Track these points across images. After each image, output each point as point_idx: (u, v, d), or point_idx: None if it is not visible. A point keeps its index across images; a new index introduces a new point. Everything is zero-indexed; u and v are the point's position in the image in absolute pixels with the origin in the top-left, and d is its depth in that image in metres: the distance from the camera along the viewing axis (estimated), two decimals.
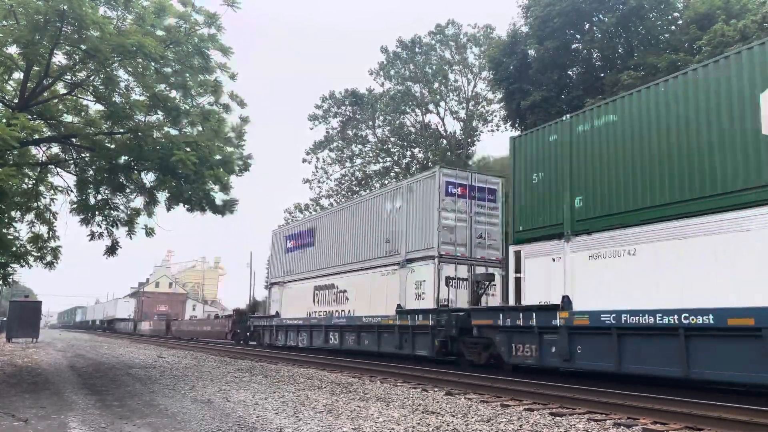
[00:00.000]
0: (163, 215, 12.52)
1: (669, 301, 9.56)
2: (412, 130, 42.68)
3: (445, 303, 15.87)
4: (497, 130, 40.70)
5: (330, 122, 44.54)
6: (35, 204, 13.83)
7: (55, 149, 14.20)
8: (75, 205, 13.69)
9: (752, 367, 8.38)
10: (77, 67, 11.84)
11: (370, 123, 43.65)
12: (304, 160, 45.05)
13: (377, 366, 15.59)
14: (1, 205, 11.15)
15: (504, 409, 8.63)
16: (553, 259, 11.92)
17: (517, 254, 12.83)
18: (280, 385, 11.46)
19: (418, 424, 7.25)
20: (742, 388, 10.05)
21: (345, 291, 20.65)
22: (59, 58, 11.85)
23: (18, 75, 12.16)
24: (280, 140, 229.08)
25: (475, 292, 15.94)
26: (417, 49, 41.14)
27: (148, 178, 13.40)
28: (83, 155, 13.59)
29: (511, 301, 12.92)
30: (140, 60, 11.17)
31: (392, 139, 42.94)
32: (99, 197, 13.90)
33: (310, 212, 45.85)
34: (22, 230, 13.84)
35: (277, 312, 26.17)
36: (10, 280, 14.32)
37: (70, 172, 14.10)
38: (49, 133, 13.19)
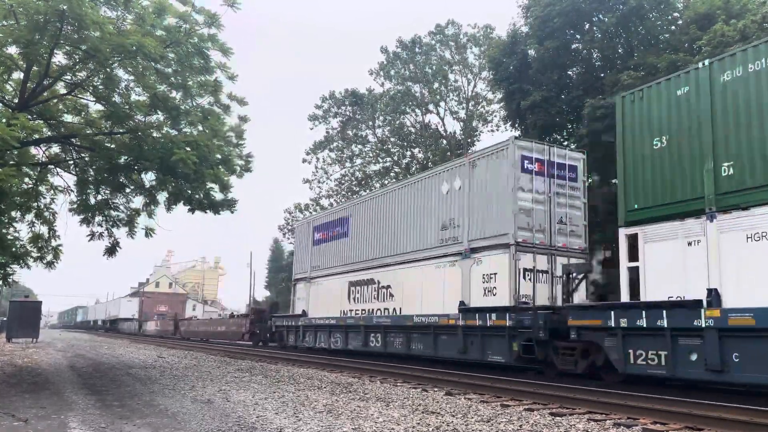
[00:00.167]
0: (164, 215, 12.52)
1: None
2: (412, 130, 42.68)
3: (526, 300, 13.69)
4: (497, 130, 40.72)
5: (330, 122, 44.57)
6: (35, 204, 13.84)
7: (55, 149, 14.21)
8: (75, 205, 13.71)
9: None
10: (77, 67, 11.85)
11: (370, 123, 43.65)
12: (304, 161, 45.06)
13: (377, 366, 15.58)
14: (1, 205, 11.15)
15: (504, 409, 8.63)
16: (689, 243, 9.73)
17: (632, 238, 10.65)
18: (280, 385, 11.46)
19: (418, 424, 7.25)
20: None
21: (388, 287, 18.46)
22: (59, 58, 11.87)
23: (18, 75, 12.16)
24: (280, 140, 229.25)
25: (566, 287, 13.16)
26: (417, 49, 41.14)
27: (148, 177, 13.43)
28: (83, 155, 13.60)
29: (624, 297, 10.76)
30: (140, 60, 11.17)
31: (392, 139, 42.93)
32: (99, 197, 13.91)
33: (311, 212, 45.79)
34: (22, 230, 13.87)
35: (303, 311, 23.87)
36: (10, 280, 14.33)
37: (70, 172, 14.12)
38: (49, 133, 13.19)
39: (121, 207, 14.10)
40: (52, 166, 14.12)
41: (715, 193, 9.51)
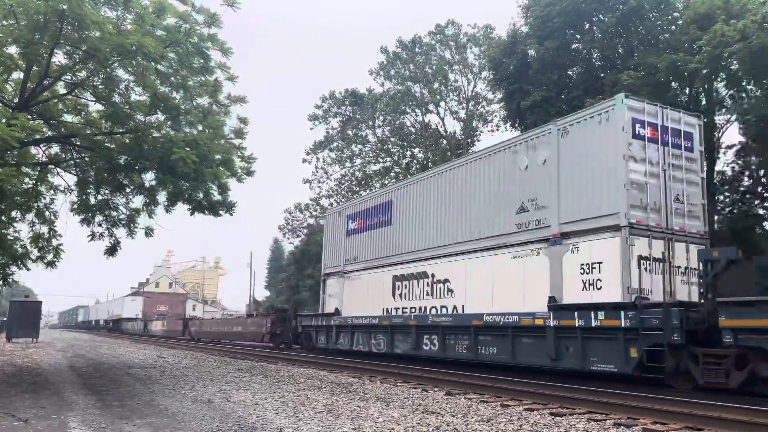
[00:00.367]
0: (164, 215, 12.54)
1: None
2: (412, 130, 42.67)
3: (646, 296, 11.32)
4: (497, 130, 40.69)
5: (330, 122, 44.55)
6: (35, 204, 13.85)
7: (55, 149, 14.22)
8: (76, 206, 13.73)
9: None
10: (77, 67, 11.86)
11: (370, 123, 43.64)
12: (304, 160, 45.02)
13: (377, 366, 15.56)
14: (1, 205, 11.16)
15: (504, 409, 8.63)
16: None
17: None
18: (280, 385, 11.46)
19: (418, 424, 7.25)
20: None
21: (446, 281, 16.03)
22: (59, 58, 11.88)
23: (18, 75, 12.17)
24: (280, 140, 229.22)
25: (706, 279, 10.58)
26: (417, 49, 41.14)
27: (148, 177, 13.45)
28: (83, 155, 13.60)
29: None
30: (140, 60, 11.17)
31: (392, 139, 42.92)
32: (99, 197, 13.93)
33: (311, 212, 45.76)
34: (22, 231, 13.89)
35: (336, 309, 21.33)
36: (10, 280, 14.35)
37: (70, 172, 14.13)
38: (49, 133, 13.20)
39: (121, 207, 14.13)
40: (52, 166, 14.14)
41: None
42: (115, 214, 14.01)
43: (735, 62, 18.35)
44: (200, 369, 15.34)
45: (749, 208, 21.78)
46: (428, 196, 17.47)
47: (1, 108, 11.68)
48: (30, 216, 13.96)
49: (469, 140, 40.76)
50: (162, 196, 13.46)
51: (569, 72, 27.47)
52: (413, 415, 7.91)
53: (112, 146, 12.90)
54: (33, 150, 13.73)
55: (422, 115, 42.50)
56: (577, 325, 11.81)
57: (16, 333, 33.66)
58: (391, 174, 41.84)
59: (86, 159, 13.57)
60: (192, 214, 13.24)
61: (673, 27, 24.48)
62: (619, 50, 26.19)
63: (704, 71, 19.70)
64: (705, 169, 13.60)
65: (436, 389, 11.15)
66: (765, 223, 21.78)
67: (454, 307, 15.64)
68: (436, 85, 41.27)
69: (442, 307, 16.09)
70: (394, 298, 18.27)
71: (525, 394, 10.04)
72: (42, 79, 11.92)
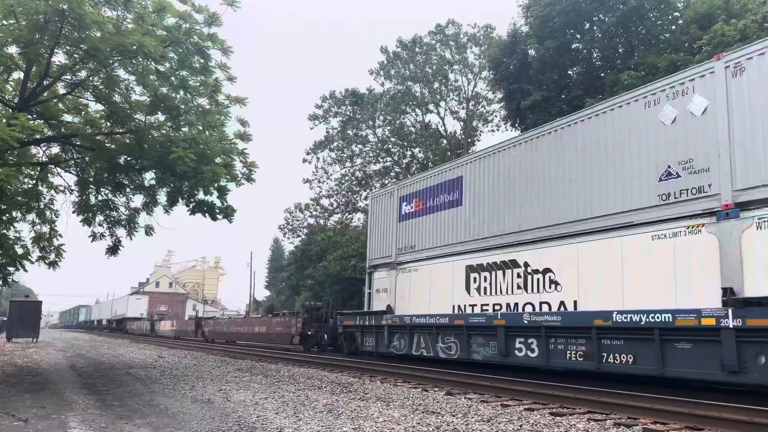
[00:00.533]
0: (164, 215, 12.51)
1: None
2: (412, 130, 42.68)
3: None
4: (497, 130, 40.71)
5: (330, 122, 44.56)
6: (36, 204, 13.87)
7: (55, 149, 14.24)
8: (77, 206, 13.76)
9: None
10: (77, 66, 11.86)
11: (370, 123, 43.64)
12: (304, 160, 44.99)
13: (377, 366, 15.56)
14: (1, 205, 11.17)
15: (504, 409, 8.63)
16: None
17: None
18: (280, 385, 11.46)
19: (418, 424, 7.25)
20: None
21: (547, 271, 13.10)
22: (59, 58, 11.89)
23: (18, 75, 12.18)
24: (280, 140, 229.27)
25: None
26: (417, 49, 41.16)
27: (148, 176, 13.47)
28: (83, 155, 13.62)
29: None
30: (140, 59, 11.18)
31: (392, 139, 42.93)
32: (99, 197, 13.95)
33: (311, 212, 45.71)
34: (23, 231, 13.92)
35: (388, 306, 18.47)
36: (9, 280, 14.36)
37: (70, 172, 14.15)
38: (50, 133, 13.21)
39: (121, 207, 14.15)
40: (53, 166, 14.15)
41: None
42: (115, 214, 14.03)
43: None
44: (200, 369, 15.34)
45: None
46: (516, 168, 14.38)
47: (1, 108, 11.69)
48: (31, 216, 13.99)
49: (469, 140, 40.78)
50: (162, 196, 13.49)
51: (569, 72, 27.51)
52: (413, 415, 7.91)
53: (113, 146, 12.91)
54: (33, 150, 13.74)
55: (422, 115, 42.52)
56: None
57: (16, 333, 33.67)
58: (391, 174, 41.84)
59: (86, 159, 13.58)
60: (192, 213, 13.25)
61: (674, 27, 24.51)
62: (620, 50, 26.21)
63: None
64: None
65: (436, 389, 11.15)
66: None
67: (561, 304, 12.65)
68: (436, 84, 41.30)
69: (541, 303, 13.14)
70: (469, 292, 15.25)
71: (525, 394, 10.04)
72: (42, 79, 11.92)
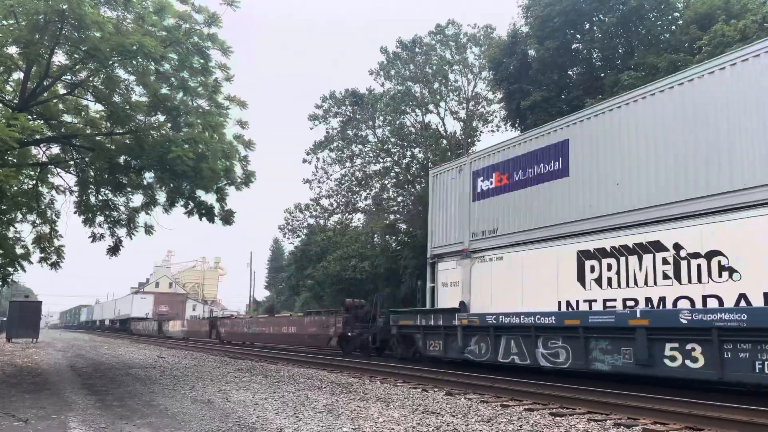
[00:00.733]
0: (164, 215, 12.49)
1: None
2: (412, 130, 42.68)
3: None
4: (497, 130, 40.69)
5: (330, 122, 44.54)
6: (36, 205, 13.88)
7: (55, 149, 14.24)
8: (78, 206, 13.77)
9: None
10: (77, 67, 11.87)
11: (370, 123, 43.62)
12: (304, 161, 44.95)
13: (377, 366, 15.55)
14: (1, 205, 11.18)
15: (504, 409, 8.63)
16: None
17: None
18: (280, 385, 11.46)
19: (418, 424, 7.25)
20: (743, 388, 9.19)
21: (715, 254, 9.95)
22: (59, 58, 11.90)
23: (18, 75, 12.19)
24: (280, 140, 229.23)
25: None
26: (417, 49, 41.16)
27: (147, 176, 13.47)
28: (83, 155, 13.62)
29: None
30: (140, 60, 11.19)
31: (392, 139, 42.91)
32: (99, 197, 13.96)
33: (311, 212, 45.69)
34: (24, 231, 13.94)
35: (462, 303, 15.24)
36: (9, 280, 14.36)
37: (70, 173, 14.15)
38: (50, 134, 13.22)
39: (121, 207, 14.15)
40: (53, 167, 14.16)
41: None
42: (115, 214, 14.04)
43: None
44: (200, 369, 15.34)
45: None
46: (650, 125, 11.46)
47: (1, 108, 11.70)
48: (32, 217, 14.00)
49: (469, 140, 40.78)
50: (161, 196, 13.50)
51: (569, 72, 27.50)
52: (413, 416, 7.91)
53: (112, 146, 12.91)
54: (33, 150, 13.75)
55: (422, 115, 42.51)
56: None
57: (16, 333, 33.67)
58: (391, 174, 41.85)
59: (86, 159, 13.59)
60: (189, 216, 13.28)
61: (674, 27, 24.50)
62: (619, 50, 26.21)
63: None
64: None
65: (436, 389, 11.15)
66: None
67: (742, 297, 9.57)
68: (436, 85, 41.28)
69: (705, 297, 10.06)
70: (584, 285, 12.24)
71: (525, 394, 10.04)
72: (42, 80, 11.93)
